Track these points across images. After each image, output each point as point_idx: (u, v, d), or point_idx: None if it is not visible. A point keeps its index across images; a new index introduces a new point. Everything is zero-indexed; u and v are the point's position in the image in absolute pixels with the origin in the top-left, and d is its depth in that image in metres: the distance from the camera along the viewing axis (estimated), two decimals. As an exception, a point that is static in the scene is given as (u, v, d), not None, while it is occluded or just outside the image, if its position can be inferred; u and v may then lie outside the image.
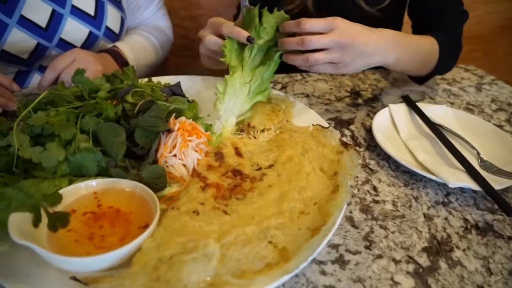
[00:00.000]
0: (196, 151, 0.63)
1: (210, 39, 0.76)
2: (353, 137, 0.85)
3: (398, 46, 0.82)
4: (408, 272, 0.54)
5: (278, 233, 0.48)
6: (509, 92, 1.09)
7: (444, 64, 0.99)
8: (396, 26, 1.22)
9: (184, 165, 0.61)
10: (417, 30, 1.08)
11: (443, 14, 1.02)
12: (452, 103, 1.02)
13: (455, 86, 1.11)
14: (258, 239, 0.47)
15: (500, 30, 2.04)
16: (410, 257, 0.57)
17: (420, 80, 1.04)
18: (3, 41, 0.87)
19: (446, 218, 0.65)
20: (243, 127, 0.75)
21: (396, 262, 0.56)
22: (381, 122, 0.85)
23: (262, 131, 0.74)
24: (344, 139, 0.84)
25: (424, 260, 0.56)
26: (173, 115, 0.66)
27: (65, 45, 0.95)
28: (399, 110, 0.90)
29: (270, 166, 0.65)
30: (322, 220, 0.52)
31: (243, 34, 0.72)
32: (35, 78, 0.99)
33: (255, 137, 0.73)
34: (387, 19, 1.10)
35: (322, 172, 0.62)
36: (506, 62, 2.17)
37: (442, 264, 0.56)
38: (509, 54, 2.15)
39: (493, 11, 1.95)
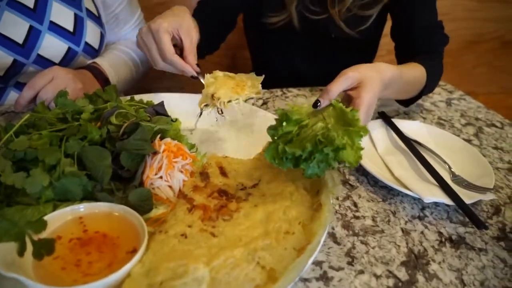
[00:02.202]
0: (182, 172, 0.64)
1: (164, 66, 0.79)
2: (333, 153, 0.88)
3: (395, 86, 0.83)
4: (388, 287, 0.57)
5: (266, 254, 0.50)
6: (476, 107, 1.16)
7: (429, 88, 1.03)
8: (373, 45, 1.28)
9: (170, 187, 0.62)
10: (401, 52, 1.14)
11: (427, 39, 1.07)
12: (424, 118, 1.07)
13: (427, 101, 1.17)
14: (247, 261, 0.48)
15: (467, 45, 2.16)
16: (390, 272, 0.59)
17: (405, 103, 1.07)
18: (-22, 58, 0.85)
19: (422, 232, 0.68)
20: (206, 100, 0.73)
21: (377, 277, 0.58)
22: (359, 138, 0.88)
23: (229, 102, 0.72)
24: (324, 155, 0.87)
25: (403, 274, 0.59)
26: (158, 136, 0.66)
27: (43, 62, 0.94)
28: (376, 126, 0.94)
29: (254, 185, 0.66)
30: (307, 240, 0.54)
31: (188, 71, 0.77)
32: (11, 95, 0.97)
33: (222, 110, 0.71)
34: (365, 40, 1.15)
35: (305, 191, 0.64)
36: (473, 74, 2.29)
37: (420, 278, 0.59)
38: (475, 67, 2.27)
39: (459, 28, 2.06)
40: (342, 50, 1.20)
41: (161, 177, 0.61)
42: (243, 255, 0.49)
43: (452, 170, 0.81)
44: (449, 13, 1.99)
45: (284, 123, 0.60)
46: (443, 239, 0.67)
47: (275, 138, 0.61)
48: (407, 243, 0.65)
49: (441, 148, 0.88)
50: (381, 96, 0.80)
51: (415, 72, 0.96)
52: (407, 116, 1.07)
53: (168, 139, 0.66)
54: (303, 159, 0.57)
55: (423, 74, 0.98)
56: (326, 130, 0.59)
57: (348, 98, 0.74)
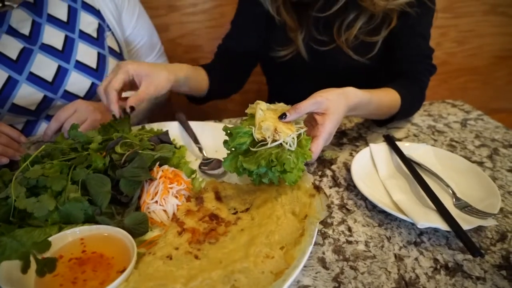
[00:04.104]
0: (176, 197, 0.68)
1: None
2: (334, 177, 0.89)
3: (363, 109, 0.89)
4: (372, 314, 0.57)
5: (242, 277, 0.52)
6: (493, 127, 1.12)
7: (404, 113, 1.05)
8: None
9: (165, 211, 0.67)
10: (387, 72, 1.16)
11: (411, 67, 1.09)
12: (435, 140, 1.05)
13: (440, 122, 1.15)
14: (222, 283, 0.51)
15: (498, 61, 2.08)
16: (376, 298, 0.59)
17: (379, 123, 1.10)
18: (13, 96, 0.96)
19: (416, 258, 0.67)
20: (267, 133, 0.70)
21: (362, 303, 0.58)
22: (361, 162, 0.89)
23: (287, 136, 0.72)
24: (325, 179, 0.88)
25: (389, 302, 0.59)
26: (157, 163, 0.72)
27: (69, 96, 1.05)
28: (380, 150, 0.94)
29: (246, 210, 0.70)
30: (287, 264, 0.56)
31: (113, 108, 0.82)
32: (42, 127, 1.08)
33: (281, 143, 0.69)
34: (375, 66, 1.16)
35: (293, 215, 0.66)
36: (506, 91, 2.19)
37: (408, 305, 0.58)
38: (509, 83, 2.17)
39: (487, 43, 2.00)
40: (351, 80, 1.22)
41: (156, 202, 0.66)
42: (220, 277, 0.52)
43: (455, 194, 0.79)
44: (474, 30, 1.95)
45: (230, 138, 0.71)
46: (438, 266, 0.65)
47: (231, 149, 0.72)
48: (398, 270, 0.64)
49: (447, 171, 0.86)
50: (348, 115, 0.88)
51: (387, 97, 0.98)
52: (417, 138, 1.06)
53: (166, 166, 0.72)
54: (256, 173, 0.68)
55: (397, 99, 0.99)
56: (281, 151, 0.67)
57: (313, 119, 0.79)
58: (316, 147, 0.74)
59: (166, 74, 0.88)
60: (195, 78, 1.06)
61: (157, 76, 0.86)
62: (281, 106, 0.79)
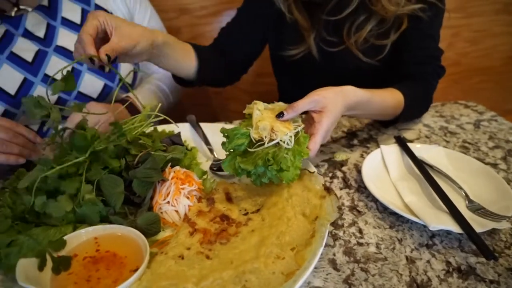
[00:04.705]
0: (188, 197, 0.69)
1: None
2: (344, 178, 0.89)
3: (363, 108, 0.87)
4: (383, 316, 0.56)
5: (252, 277, 0.53)
6: (508, 129, 1.10)
7: (408, 114, 1.03)
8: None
9: (177, 211, 0.67)
10: (395, 73, 1.14)
11: (419, 68, 1.08)
12: (447, 142, 1.04)
13: (453, 124, 1.13)
14: (233, 283, 0.52)
15: (510, 61, 2.05)
16: (388, 301, 0.59)
17: (383, 123, 1.09)
18: (29, 97, 0.98)
19: (428, 261, 0.66)
20: (263, 133, 0.71)
21: (374, 305, 0.58)
22: (372, 164, 0.88)
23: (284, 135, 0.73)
24: (336, 181, 0.88)
25: (401, 304, 0.58)
26: (169, 164, 0.73)
27: (83, 97, 1.06)
28: (391, 151, 0.93)
29: (257, 211, 0.70)
30: (297, 265, 0.56)
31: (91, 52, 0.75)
32: (57, 128, 1.10)
33: (279, 142, 0.70)
34: (384, 68, 1.16)
35: (304, 217, 0.66)
36: (521, 91, 2.15)
37: (419, 308, 0.58)
38: (523, 84, 2.13)
39: (500, 43, 1.97)
40: (360, 81, 1.21)
41: (168, 202, 0.67)
42: (231, 277, 0.53)
43: (468, 196, 0.78)
44: (487, 29, 1.92)
45: (227, 140, 0.72)
46: (451, 269, 0.65)
47: (230, 151, 0.72)
48: (410, 272, 0.64)
49: (460, 173, 0.86)
50: (348, 115, 0.86)
51: (390, 98, 0.96)
52: (429, 139, 1.05)
53: (177, 167, 0.72)
54: (254, 173, 0.68)
55: (400, 100, 0.98)
56: (277, 150, 0.68)
57: (310, 117, 0.78)
58: (314, 145, 0.74)
59: (141, 30, 0.84)
60: (178, 48, 0.98)
61: (129, 30, 0.81)
62: (279, 105, 0.79)
